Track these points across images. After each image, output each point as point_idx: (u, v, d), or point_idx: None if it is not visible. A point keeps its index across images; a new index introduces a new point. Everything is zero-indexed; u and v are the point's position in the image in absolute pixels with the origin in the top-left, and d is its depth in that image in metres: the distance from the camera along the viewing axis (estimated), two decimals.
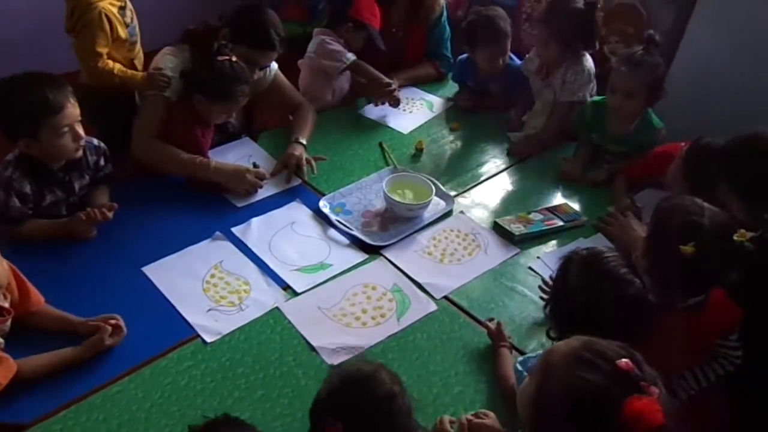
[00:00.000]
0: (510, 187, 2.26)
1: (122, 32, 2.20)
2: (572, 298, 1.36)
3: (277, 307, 1.71)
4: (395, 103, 2.53)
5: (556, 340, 1.38)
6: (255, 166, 2.15)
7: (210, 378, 1.52)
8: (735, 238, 1.42)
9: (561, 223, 2.04)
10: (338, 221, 2.00)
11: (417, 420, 1.24)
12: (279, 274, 1.81)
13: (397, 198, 2.01)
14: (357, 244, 1.94)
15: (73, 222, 1.82)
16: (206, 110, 2.07)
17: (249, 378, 1.53)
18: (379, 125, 2.53)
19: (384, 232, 1.99)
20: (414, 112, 2.62)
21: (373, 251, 1.92)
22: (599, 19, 2.32)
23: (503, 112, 2.62)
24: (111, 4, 2.16)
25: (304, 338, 1.63)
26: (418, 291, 1.79)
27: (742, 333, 1.55)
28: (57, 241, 1.81)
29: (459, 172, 2.30)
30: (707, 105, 2.61)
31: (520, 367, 1.40)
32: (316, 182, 2.19)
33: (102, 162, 1.94)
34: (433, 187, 2.07)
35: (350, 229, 1.98)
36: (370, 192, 2.15)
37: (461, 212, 2.11)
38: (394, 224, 2.02)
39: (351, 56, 2.51)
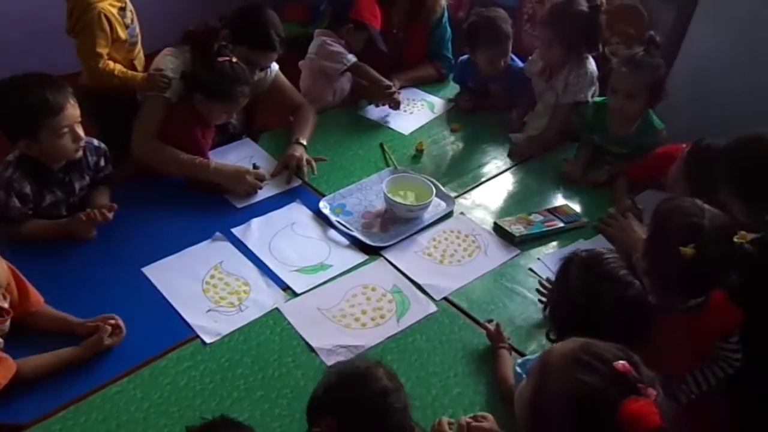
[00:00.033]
0: (510, 188, 2.26)
1: (122, 33, 2.20)
2: (572, 299, 1.36)
3: (276, 308, 1.71)
4: (395, 105, 2.53)
5: (555, 342, 1.37)
6: (255, 167, 2.15)
7: (209, 379, 1.52)
8: (735, 239, 1.41)
9: (561, 225, 2.04)
10: (338, 222, 2.00)
11: (415, 420, 1.24)
12: (279, 275, 1.81)
13: (397, 199, 2.01)
14: (357, 245, 1.94)
15: (73, 222, 1.82)
16: (206, 111, 2.08)
17: (248, 379, 1.53)
18: (379, 126, 2.53)
19: (384, 233, 1.99)
20: (415, 113, 2.62)
21: (373, 252, 1.92)
22: (603, 22, 2.32)
23: (504, 113, 2.62)
24: (111, 4, 2.17)
25: (304, 339, 1.63)
26: (418, 292, 1.79)
27: (742, 335, 1.54)
28: (57, 242, 1.81)
29: (459, 173, 2.30)
30: (708, 106, 2.61)
31: (519, 370, 1.40)
32: (317, 183, 2.19)
33: (102, 162, 1.94)
34: (434, 188, 2.07)
35: (350, 230, 1.97)
36: (370, 193, 2.15)
37: (461, 213, 2.10)
38: (395, 225, 2.02)
39: (352, 58, 2.51)
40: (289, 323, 1.67)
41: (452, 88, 2.78)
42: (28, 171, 1.76)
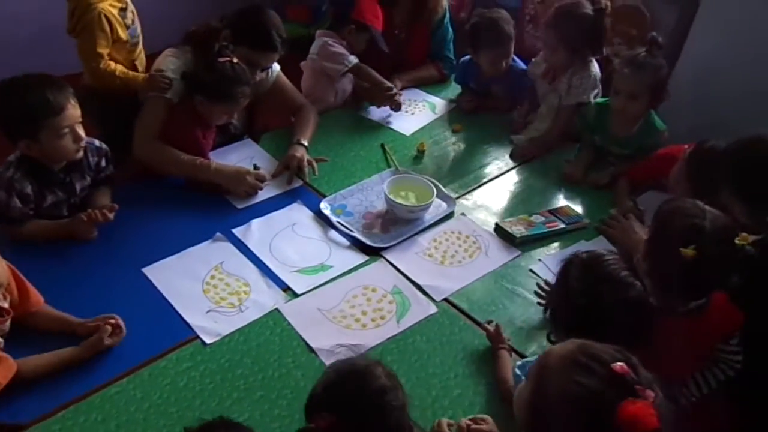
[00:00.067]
0: (512, 189, 2.26)
1: (122, 33, 2.20)
2: (573, 301, 1.35)
3: (276, 309, 1.71)
4: (396, 107, 2.53)
5: (556, 344, 1.37)
6: (256, 167, 2.15)
7: (209, 379, 1.52)
8: (736, 241, 1.41)
9: (563, 226, 2.04)
10: (339, 223, 2.00)
11: (415, 420, 1.24)
12: (279, 276, 1.81)
13: (398, 200, 2.01)
14: (357, 245, 1.94)
15: (74, 223, 1.82)
16: (207, 111, 2.08)
17: (248, 379, 1.53)
18: (381, 127, 2.53)
19: (385, 233, 1.99)
20: (416, 114, 2.62)
21: (373, 253, 1.91)
22: (607, 25, 2.32)
23: (506, 114, 2.62)
24: (111, 5, 2.17)
25: (304, 340, 1.63)
26: (418, 293, 1.79)
27: (742, 337, 1.54)
28: (57, 242, 1.81)
29: (461, 173, 2.30)
30: (711, 106, 2.60)
31: (519, 372, 1.39)
32: (317, 184, 2.19)
33: (103, 163, 1.94)
34: (434, 189, 2.07)
35: (351, 230, 1.97)
36: (371, 193, 2.15)
37: (462, 214, 2.10)
38: (395, 226, 2.02)
39: (353, 59, 2.51)
40: (289, 324, 1.67)
41: (454, 89, 2.77)
42: (29, 171, 1.76)
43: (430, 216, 2.05)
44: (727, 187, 1.67)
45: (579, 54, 2.34)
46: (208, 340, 1.60)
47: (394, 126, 2.52)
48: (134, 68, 2.29)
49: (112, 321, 1.55)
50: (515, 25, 2.55)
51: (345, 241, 1.95)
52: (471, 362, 1.61)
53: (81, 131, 1.76)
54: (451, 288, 1.81)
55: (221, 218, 1.99)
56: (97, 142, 1.92)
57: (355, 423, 1.15)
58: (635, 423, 0.90)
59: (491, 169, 2.34)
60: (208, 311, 1.68)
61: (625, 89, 2.13)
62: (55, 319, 1.58)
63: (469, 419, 1.38)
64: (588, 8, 2.29)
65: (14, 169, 1.75)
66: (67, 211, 1.88)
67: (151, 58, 2.28)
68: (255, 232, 1.95)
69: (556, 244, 2.00)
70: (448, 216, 2.08)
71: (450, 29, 2.81)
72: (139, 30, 2.31)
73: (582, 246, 1.95)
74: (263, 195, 2.10)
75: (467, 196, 2.20)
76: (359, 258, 1.89)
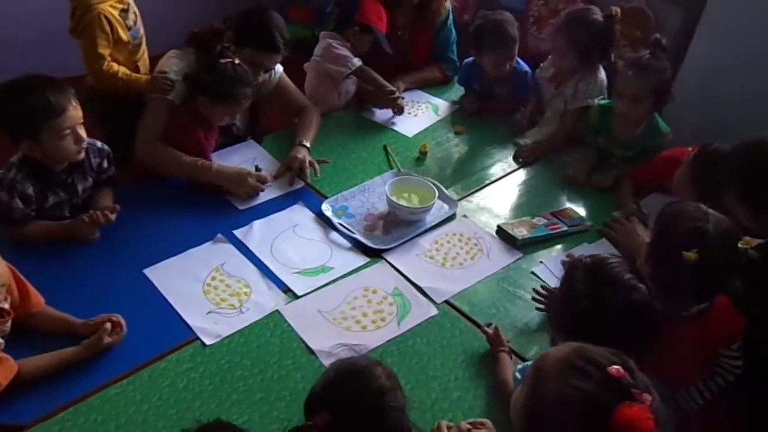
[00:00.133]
0: (514, 191, 2.25)
1: (123, 35, 2.21)
2: (577, 304, 1.34)
3: (277, 310, 1.70)
4: (399, 111, 2.53)
5: None
6: (258, 169, 2.15)
7: (208, 381, 1.52)
8: (739, 245, 1.40)
9: (565, 228, 2.03)
10: (340, 224, 2.00)
11: (414, 423, 1.23)
12: (280, 277, 1.80)
13: (400, 202, 2.00)
14: (359, 247, 1.93)
15: (76, 224, 1.83)
16: (209, 113, 2.08)
17: (247, 381, 1.53)
18: (383, 128, 2.52)
19: (386, 235, 1.98)
20: (419, 115, 2.61)
21: (374, 255, 1.91)
22: (617, 32, 2.32)
23: (509, 116, 2.61)
24: (112, 6, 2.18)
25: (304, 341, 1.62)
26: (419, 295, 1.78)
27: (744, 342, 1.52)
28: (59, 243, 1.82)
29: (463, 175, 2.29)
30: (715, 109, 2.59)
31: (519, 375, 1.39)
32: (319, 185, 2.19)
33: (105, 164, 1.95)
34: (436, 191, 2.06)
35: (352, 232, 1.97)
36: (373, 195, 2.14)
37: (464, 216, 2.09)
38: (397, 228, 2.01)
39: (357, 62, 2.51)
40: (289, 325, 1.67)
41: (457, 91, 2.77)
42: (30, 172, 1.77)
43: (431, 218, 2.04)
44: (730, 190, 1.66)
45: (587, 60, 2.34)
46: (208, 342, 1.60)
47: (396, 127, 2.52)
48: (136, 69, 2.29)
49: (114, 319, 1.56)
50: (519, 27, 2.54)
51: (346, 243, 1.95)
52: (471, 365, 1.60)
53: (82, 132, 1.76)
54: (452, 290, 1.80)
55: (222, 219, 1.99)
56: (98, 144, 1.93)
57: (354, 423, 1.15)
58: (632, 427, 0.89)
59: (494, 171, 2.33)
60: (209, 312, 1.68)
61: (628, 92, 2.12)
62: (56, 319, 1.58)
63: (469, 423, 1.38)
64: (598, 14, 2.30)
65: (16, 170, 1.75)
66: (68, 212, 1.88)
67: (154, 59, 2.29)
68: (256, 233, 1.95)
69: (558, 247, 1.99)
70: (450, 218, 2.07)
71: (453, 31, 2.81)
72: (141, 31, 2.32)
73: (584, 248, 1.94)
74: (265, 196, 2.10)
75: (469, 197, 2.19)
76: (360, 260, 1.89)
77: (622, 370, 0.95)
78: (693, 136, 2.05)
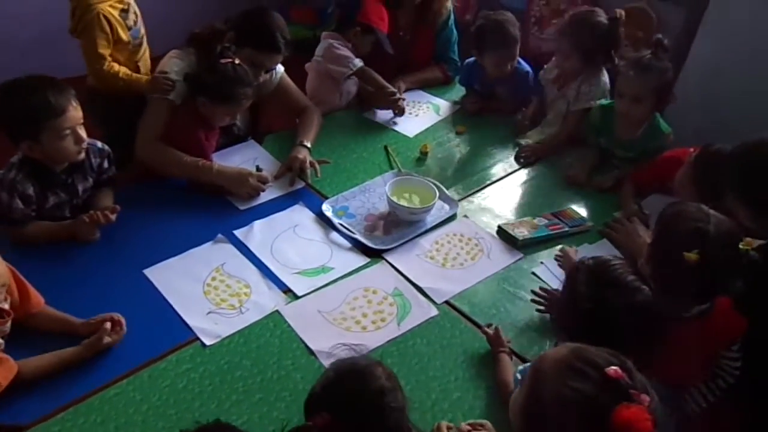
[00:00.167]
0: (515, 192, 2.25)
1: (123, 35, 2.21)
2: (580, 306, 1.34)
3: (277, 311, 1.70)
4: (400, 112, 2.53)
5: None
6: (258, 169, 2.15)
7: (208, 381, 1.52)
8: (741, 246, 1.40)
9: (566, 229, 2.02)
10: (341, 225, 1.99)
11: (414, 423, 1.23)
12: (280, 277, 1.80)
13: (400, 202, 2.00)
14: (359, 247, 1.93)
15: (77, 224, 1.83)
16: (209, 113, 2.08)
17: (247, 381, 1.52)
18: (384, 128, 2.52)
19: (387, 235, 1.98)
20: (420, 116, 2.61)
21: (375, 255, 1.91)
22: (621, 35, 2.31)
23: (510, 116, 2.61)
24: (111, 6, 2.18)
25: (303, 342, 1.62)
26: (419, 295, 1.78)
27: (744, 343, 1.52)
28: (59, 243, 1.82)
29: (464, 175, 2.29)
30: (717, 109, 2.59)
31: (519, 376, 1.38)
32: (320, 185, 2.18)
33: (105, 164, 1.95)
34: (437, 191, 2.06)
35: (353, 232, 1.97)
36: (373, 195, 2.14)
37: (465, 216, 2.09)
38: (397, 228, 2.01)
39: (358, 62, 2.51)
40: (289, 326, 1.66)
41: (458, 91, 2.77)
42: (31, 173, 1.77)
43: (432, 218, 2.04)
44: (731, 191, 1.65)
45: (591, 62, 2.34)
46: (207, 342, 1.60)
47: (397, 128, 2.52)
48: (137, 69, 2.29)
49: (114, 317, 1.56)
50: (520, 27, 2.54)
51: (346, 243, 1.95)
52: (471, 365, 1.60)
53: (83, 133, 1.76)
54: (452, 290, 1.80)
55: (223, 220, 1.99)
56: (99, 144, 1.93)
57: (354, 423, 1.15)
58: (630, 427, 0.89)
59: (494, 171, 2.33)
60: (209, 313, 1.68)
61: (629, 92, 2.11)
62: (56, 320, 1.58)
63: (469, 424, 1.37)
64: (603, 17, 2.29)
65: (16, 170, 1.75)
66: (69, 212, 1.88)
67: (155, 59, 2.29)
68: (257, 233, 1.95)
69: (559, 247, 1.98)
70: (451, 218, 2.07)
71: (455, 31, 2.81)
72: (142, 31, 2.32)
73: (585, 249, 1.94)
74: (265, 196, 2.10)
75: (470, 198, 2.19)
76: (360, 260, 1.89)
77: (620, 370, 0.95)
78: (695, 137, 2.04)
